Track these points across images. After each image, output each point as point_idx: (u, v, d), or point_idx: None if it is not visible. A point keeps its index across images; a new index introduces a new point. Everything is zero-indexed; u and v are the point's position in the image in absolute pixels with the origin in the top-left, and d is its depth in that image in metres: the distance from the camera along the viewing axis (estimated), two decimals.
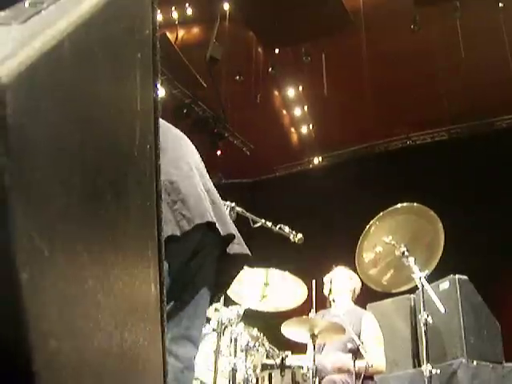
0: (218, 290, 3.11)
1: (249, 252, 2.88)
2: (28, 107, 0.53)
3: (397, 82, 9.37)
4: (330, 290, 5.35)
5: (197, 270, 2.53)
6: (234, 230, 2.81)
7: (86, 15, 0.66)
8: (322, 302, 5.36)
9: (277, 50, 9.53)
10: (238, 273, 3.56)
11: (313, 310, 4.60)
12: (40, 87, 0.55)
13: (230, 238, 2.71)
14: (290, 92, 10.36)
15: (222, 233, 2.60)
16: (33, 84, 0.54)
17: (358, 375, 4.40)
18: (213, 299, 2.92)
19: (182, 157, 2.71)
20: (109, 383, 0.86)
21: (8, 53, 0.52)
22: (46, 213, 0.58)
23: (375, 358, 4.79)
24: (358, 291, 5.63)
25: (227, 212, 3.45)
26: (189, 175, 2.60)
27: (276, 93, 10.47)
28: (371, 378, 4.96)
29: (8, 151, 0.50)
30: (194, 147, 3.04)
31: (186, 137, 3.02)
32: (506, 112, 9.83)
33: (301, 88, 10.22)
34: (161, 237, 1.11)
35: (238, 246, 2.81)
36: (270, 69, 9.60)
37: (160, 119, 2.92)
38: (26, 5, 0.64)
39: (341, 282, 5.53)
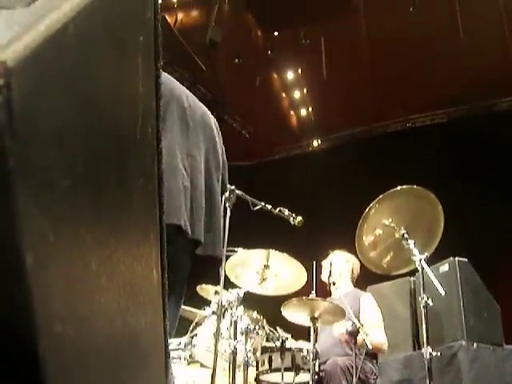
0: (194, 284, 3.09)
1: (220, 255, 2.86)
2: (34, 91, 0.53)
3: (396, 65, 9.34)
4: (330, 273, 5.36)
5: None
6: (214, 230, 2.77)
7: None
8: (322, 285, 5.37)
9: (276, 33, 9.49)
10: (215, 270, 3.51)
11: (313, 292, 4.60)
12: (45, 71, 0.55)
13: (197, 242, 2.71)
14: (289, 75, 10.33)
15: (190, 235, 2.60)
16: (38, 68, 0.54)
17: (358, 355, 4.40)
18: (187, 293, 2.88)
19: (181, 139, 2.69)
20: (112, 366, 0.86)
21: (13, 36, 0.52)
22: (51, 197, 0.58)
23: (375, 336, 4.80)
24: (356, 271, 5.66)
25: (222, 200, 3.39)
26: (177, 168, 2.58)
27: (275, 76, 10.44)
28: (375, 358, 4.97)
29: (14, 135, 0.50)
30: (212, 125, 3.00)
31: (205, 111, 2.96)
32: (505, 93, 9.81)
33: (300, 71, 10.20)
34: (162, 221, 1.11)
35: (212, 248, 2.79)
36: (269, 52, 9.57)
37: (180, 86, 2.86)
38: None
39: (338, 266, 5.55)
